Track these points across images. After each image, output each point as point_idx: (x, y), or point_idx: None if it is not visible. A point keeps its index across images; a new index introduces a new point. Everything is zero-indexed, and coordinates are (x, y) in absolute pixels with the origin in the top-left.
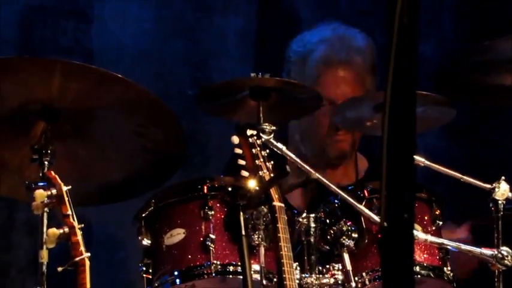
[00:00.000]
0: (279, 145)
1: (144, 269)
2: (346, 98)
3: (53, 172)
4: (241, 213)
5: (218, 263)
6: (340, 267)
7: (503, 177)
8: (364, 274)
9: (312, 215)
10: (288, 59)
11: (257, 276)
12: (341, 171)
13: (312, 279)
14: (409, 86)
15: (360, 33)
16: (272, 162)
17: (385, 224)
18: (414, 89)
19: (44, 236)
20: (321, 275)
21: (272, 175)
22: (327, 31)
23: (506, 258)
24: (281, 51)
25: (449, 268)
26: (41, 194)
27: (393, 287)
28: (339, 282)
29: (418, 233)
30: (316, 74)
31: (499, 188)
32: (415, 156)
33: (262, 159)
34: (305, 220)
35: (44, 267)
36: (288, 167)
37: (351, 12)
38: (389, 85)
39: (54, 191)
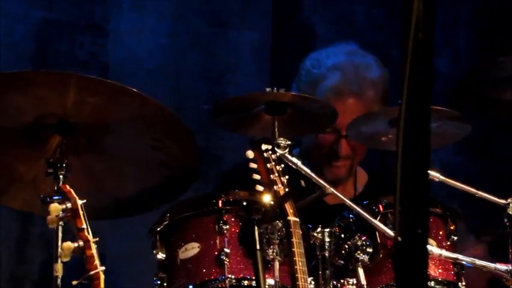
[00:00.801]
0: (294, 160)
1: (159, 282)
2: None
3: (67, 186)
4: (256, 228)
5: (233, 277)
6: (355, 282)
7: None
8: None
9: (327, 230)
10: (300, 75)
11: None
12: (340, 188)
13: None
14: (424, 101)
15: (375, 61)
16: (287, 176)
17: (399, 238)
18: (429, 103)
19: (59, 249)
20: None
21: (287, 190)
22: (342, 56)
23: None
24: (296, 66)
25: (463, 283)
26: (56, 208)
27: None
28: None
29: (433, 248)
30: (326, 100)
31: None
32: (430, 172)
33: (277, 174)
34: (320, 235)
35: (59, 281)
36: (302, 182)
37: (367, 27)
38: (404, 100)
39: (69, 205)
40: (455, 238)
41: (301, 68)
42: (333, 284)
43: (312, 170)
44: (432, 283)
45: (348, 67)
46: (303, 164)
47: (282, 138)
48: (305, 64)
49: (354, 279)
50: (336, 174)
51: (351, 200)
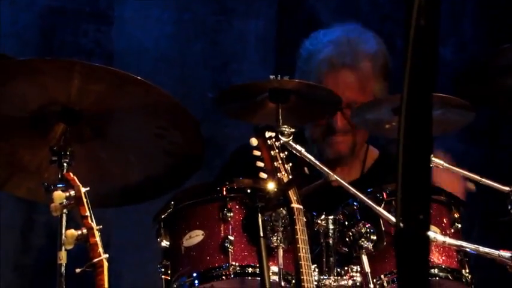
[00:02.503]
0: (298, 147)
1: (163, 270)
2: (347, 103)
3: (71, 174)
4: (260, 215)
5: (237, 264)
6: (359, 269)
7: None
8: (382, 276)
9: (331, 217)
10: (299, 54)
11: (275, 278)
12: (346, 169)
13: (330, 281)
14: (426, 88)
15: (374, 37)
16: (290, 164)
17: (401, 225)
18: (431, 90)
19: (63, 237)
20: (339, 277)
21: (290, 177)
22: (339, 32)
23: None
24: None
25: (467, 270)
26: (59, 196)
27: None
28: (357, 284)
29: (437, 235)
30: (319, 75)
31: None
32: (434, 159)
33: (280, 161)
34: (324, 222)
35: (63, 269)
36: (306, 169)
37: (372, 16)
38: (405, 87)
39: (72, 193)
40: (459, 226)
41: (301, 47)
42: (337, 271)
43: (313, 151)
44: (435, 270)
45: (341, 40)
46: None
47: (285, 126)
48: (304, 43)
49: (358, 266)
50: (336, 150)
51: (358, 179)
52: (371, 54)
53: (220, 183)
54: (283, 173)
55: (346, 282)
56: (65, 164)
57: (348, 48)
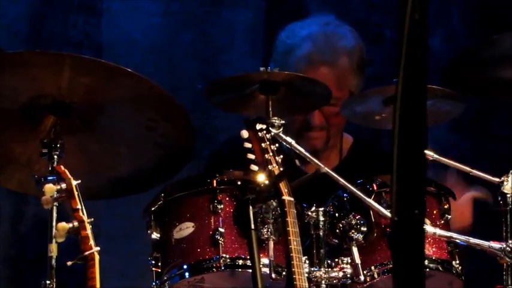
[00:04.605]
0: (288, 139)
1: (153, 262)
2: None
3: (62, 166)
4: (251, 207)
5: (227, 256)
6: (349, 261)
7: (511, 171)
8: (373, 268)
9: (321, 209)
10: (275, 46)
11: (266, 270)
12: (324, 156)
13: (321, 273)
14: (420, 81)
15: (351, 31)
16: (281, 156)
17: (396, 218)
18: (425, 83)
19: (54, 230)
20: (329, 269)
21: (281, 169)
22: (316, 26)
23: None
24: None
25: (458, 262)
26: (50, 188)
27: (404, 282)
28: (348, 275)
29: (427, 227)
30: (297, 71)
31: (507, 181)
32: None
33: (271, 154)
34: (314, 214)
35: (53, 261)
36: (297, 161)
37: (360, 6)
38: (400, 80)
39: (63, 185)
40: (449, 217)
41: (277, 39)
42: (328, 263)
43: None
44: (426, 262)
45: (319, 36)
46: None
47: (276, 118)
48: (280, 35)
49: (348, 258)
50: (311, 145)
51: (337, 167)
52: (348, 49)
53: (211, 175)
54: (274, 165)
55: (336, 273)
56: (55, 157)
57: (327, 44)
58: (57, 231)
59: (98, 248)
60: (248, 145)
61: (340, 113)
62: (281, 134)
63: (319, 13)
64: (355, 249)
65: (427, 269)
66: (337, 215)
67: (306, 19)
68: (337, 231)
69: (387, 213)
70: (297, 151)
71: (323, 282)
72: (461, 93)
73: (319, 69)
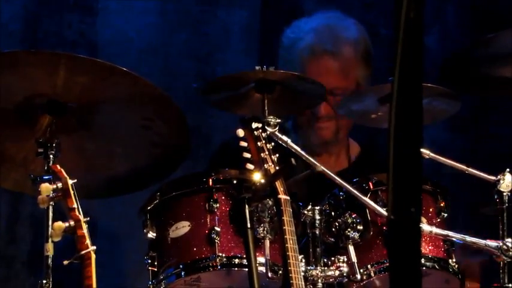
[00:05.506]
0: (284, 138)
1: (150, 261)
2: (329, 89)
3: (58, 166)
4: (247, 206)
5: (223, 255)
6: (345, 260)
7: (508, 169)
8: (369, 266)
9: (317, 208)
10: (281, 44)
11: (262, 269)
12: (333, 158)
13: (317, 272)
14: (416, 80)
15: (355, 24)
16: (277, 155)
17: (392, 217)
18: (421, 82)
19: (50, 229)
20: (326, 267)
21: (277, 168)
22: (320, 19)
23: (511, 249)
24: None
25: (454, 260)
26: (46, 188)
27: (401, 281)
28: (344, 274)
29: (423, 225)
30: (301, 63)
31: (503, 179)
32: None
33: (267, 152)
34: (310, 212)
35: (50, 261)
36: (293, 160)
37: (355, 5)
38: (396, 79)
39: (59, 185)
40: (446, 215)
41: (282, 35)
42: (324, 261)
43: (299, 140)
44: (422, 260)
45: (322, 28)
46: (295, 137)
47: (272, 116)
48: (285, 31)
49: (345, 256)
50: (321, 136)
51: (346, 170)
52: (352, 40)
53: (207, 174)
54: (270, 163)
55: (333, 272)
56: (51, 156)
57: (329, 35)
58: (53, 230)
59: (94, 247)
60: (244, 144)
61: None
62: (277, 133)
63: (324, 11)
64: (351, 248)
65: (424, 268)
66: (333, 213)
67: (312, 16)
68: (333, 229)
69: (383, 211)
70: (293, 150)
71: (319, 281)
72: (456, 91)
73: (322, 59)
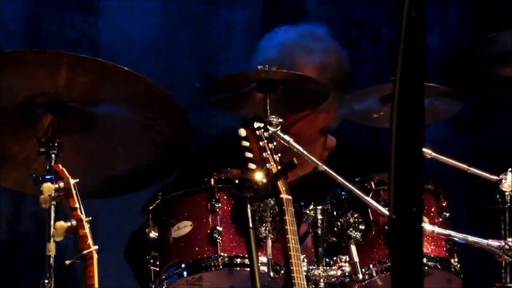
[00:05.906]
0: (286, 137)
1: (152, 261)
2: None
3: (60, 165)
4: (249, 206)
5: (225, 255)
6: (348, 259)
7: (510, 169)
8: (371, 266)
9: (319, 207)
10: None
11: (264, 268)
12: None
13: (319, 271)
14: (417, 79)
15: (326, 47)
16: (279, 154)
17: (394, 216)
18: (422, 81)
19: (52, 229)
20: (328, 267)
21: (279, 167)
22: (292, 34)
23: None
24: None
25: (456, 259)
26: (48, 187)
27: (402, 280)
28: (346, 274)
29: (425, 225)
30: None
31: (506, 179)
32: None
33: (269, 152)
34: (312, 212)
35: (52, 260)
36: (295, 160)
37: (357, 5)
38: (398, 78)
39: (61, 184)
40: (448, 214)
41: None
42: (326, 261)
43: None
44: (424, 259)
45: (287, 46)
46: None
47: (273, 116)
48: (261, 41)
49: (347, 256)
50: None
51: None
52: (316, 64)
53: (208, 173)
54: (272, 163)
55: (335, 272)
56: (53, 156)
57: (290, 56)
58: (55, 230)
59: (96, 247)
60: (246, 143)
61: (306, 122)
62: (279, 133)
63: (313, 23)
64: (353, 248)
65: (426, 267)
66: (335, 213)
67: (300, 25)
68: (335, 229)
69: (385, 211)
70: (295, 149)
71: (321, 280)
72: (458, 91)
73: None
